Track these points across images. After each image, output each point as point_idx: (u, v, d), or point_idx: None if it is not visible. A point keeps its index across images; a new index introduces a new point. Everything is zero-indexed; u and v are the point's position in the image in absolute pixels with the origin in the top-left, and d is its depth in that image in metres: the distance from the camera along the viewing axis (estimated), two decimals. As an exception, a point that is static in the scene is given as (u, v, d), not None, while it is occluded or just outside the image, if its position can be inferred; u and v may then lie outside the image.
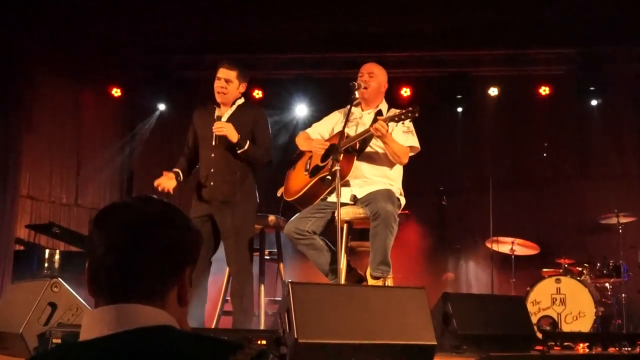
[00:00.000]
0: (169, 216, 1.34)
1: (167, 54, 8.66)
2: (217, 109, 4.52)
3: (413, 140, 4.30)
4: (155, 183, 4.43)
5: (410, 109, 4.07)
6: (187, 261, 1.34)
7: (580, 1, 7.25)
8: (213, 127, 4.36)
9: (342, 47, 8.40)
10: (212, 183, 4.40)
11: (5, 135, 7.26)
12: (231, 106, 4.52)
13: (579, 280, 6.22)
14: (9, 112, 7.31)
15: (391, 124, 4.14)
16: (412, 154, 4.34)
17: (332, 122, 4.63)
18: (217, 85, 4.45)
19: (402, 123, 4.18)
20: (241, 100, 4.56)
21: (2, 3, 6.20)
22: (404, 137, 4.26)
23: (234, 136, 4.32)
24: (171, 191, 4.40)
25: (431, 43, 8.26)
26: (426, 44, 8.29)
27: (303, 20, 7.87)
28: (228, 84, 4.45)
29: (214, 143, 4.41)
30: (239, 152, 4.35)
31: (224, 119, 4.46)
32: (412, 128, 4.31)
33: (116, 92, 8.67)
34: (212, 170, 4.42)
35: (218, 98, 4.47)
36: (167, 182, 4.42)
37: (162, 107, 8.90)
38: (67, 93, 8.55)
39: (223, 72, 4.46)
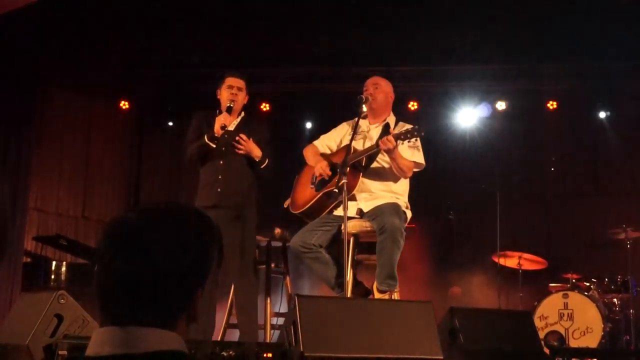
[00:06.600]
0: (185, 239, 1.29)
1: (176, 69, 8.69)
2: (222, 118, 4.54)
3: (418, 157, 4.32)
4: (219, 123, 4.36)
5: (417, 127, 4.09)
6: (199, 285, 1.31)
7: (588, 16, 7.24)
8: (234, 141, 4.36)
9: (350, 61, 8.42)
10: (219, 190, 4.39)
11: (17, 149, 7.29)
12: (237, 117, 4.55)
13: (587, 296, 6.17)
14: (22, 126, 7.35)
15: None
16: (417, 169, 4.36)
17: (340, 135, 4.63)
18: (230, 92, 4.49)
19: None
20: (243, 113, 4.60)
21: (16, 20, 6.27)
22: (410, 152, 4.28)
23: (256, 152, 4.34)
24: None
25: (438, 57, 8.27)
26: (433, 58, 8.30)
27: (311, 34, 7.90)
28: (239, 92, 4.51)
29: (222, 150, 4.41)
30: (261, 167, 4.39)
31: (231, 128, 4.48)
32: (419, 144, 4.32)
33: (124, 105, 8.70)
34: (220, 177, 4.41)
35: (229, 105, 4.46)
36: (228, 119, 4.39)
37: (170, 122, 8.89)
38: (77, 107, 8.59)
39: (234, 81, 4.53)
